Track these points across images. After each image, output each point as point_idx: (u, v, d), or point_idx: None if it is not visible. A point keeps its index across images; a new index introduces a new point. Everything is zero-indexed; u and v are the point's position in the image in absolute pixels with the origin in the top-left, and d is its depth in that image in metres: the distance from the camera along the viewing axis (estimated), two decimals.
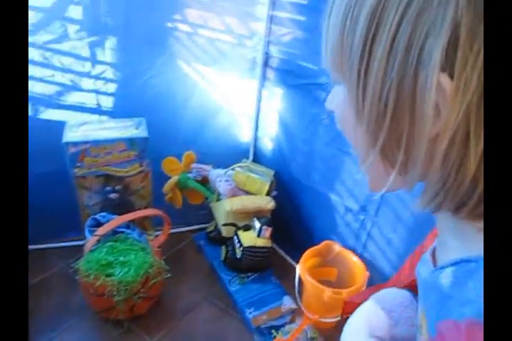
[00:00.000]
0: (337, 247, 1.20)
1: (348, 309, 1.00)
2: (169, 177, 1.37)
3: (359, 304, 0.62)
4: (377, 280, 1.12)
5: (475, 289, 0.28)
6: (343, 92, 0.32)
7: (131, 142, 1.19)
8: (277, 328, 1.14)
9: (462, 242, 0.33)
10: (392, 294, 0.62)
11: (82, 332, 1.14)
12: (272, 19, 1.30)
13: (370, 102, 0.29)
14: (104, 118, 1.31)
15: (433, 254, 0.40)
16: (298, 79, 1.27)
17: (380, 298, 0.62)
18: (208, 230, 1.46)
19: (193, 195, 1.42)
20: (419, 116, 0.27)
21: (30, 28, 1.10)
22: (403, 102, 0.27)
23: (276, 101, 1.41)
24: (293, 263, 1.43)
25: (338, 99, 0.34)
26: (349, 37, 0.29)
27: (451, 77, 0.25)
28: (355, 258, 1.16)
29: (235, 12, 1.31)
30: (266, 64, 1.39)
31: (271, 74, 1.39)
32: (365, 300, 0.62)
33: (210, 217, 1.46)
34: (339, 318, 1.03)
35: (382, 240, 1.11)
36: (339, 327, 0.62)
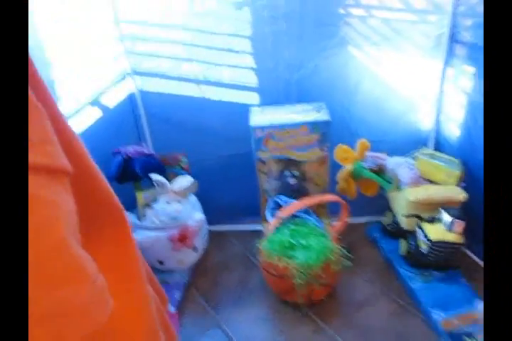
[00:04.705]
0: None
1: None
2: (341, 166, 1.34)
3: None
4: None
5: None
6: None
7: (313, 125, 1.19)
8: (470, 335, 1.00)
9: None
10: None
11: (261, 310, 1.19)
12: None
13: None
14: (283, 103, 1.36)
15: None
16: None
17: None
18: (385, 223, 1.37)
19: (367, 185, 1.35)
20: None
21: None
22: None
23: (464, 80, 1.24)
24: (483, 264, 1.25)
25: None
26: None
27: None
28: None
29: None
30: (453, 39, 1.23)
31: (460, 50, 1.23)
32: None
33: (385, 209, 1.37)
34: None
35: None
36: None
